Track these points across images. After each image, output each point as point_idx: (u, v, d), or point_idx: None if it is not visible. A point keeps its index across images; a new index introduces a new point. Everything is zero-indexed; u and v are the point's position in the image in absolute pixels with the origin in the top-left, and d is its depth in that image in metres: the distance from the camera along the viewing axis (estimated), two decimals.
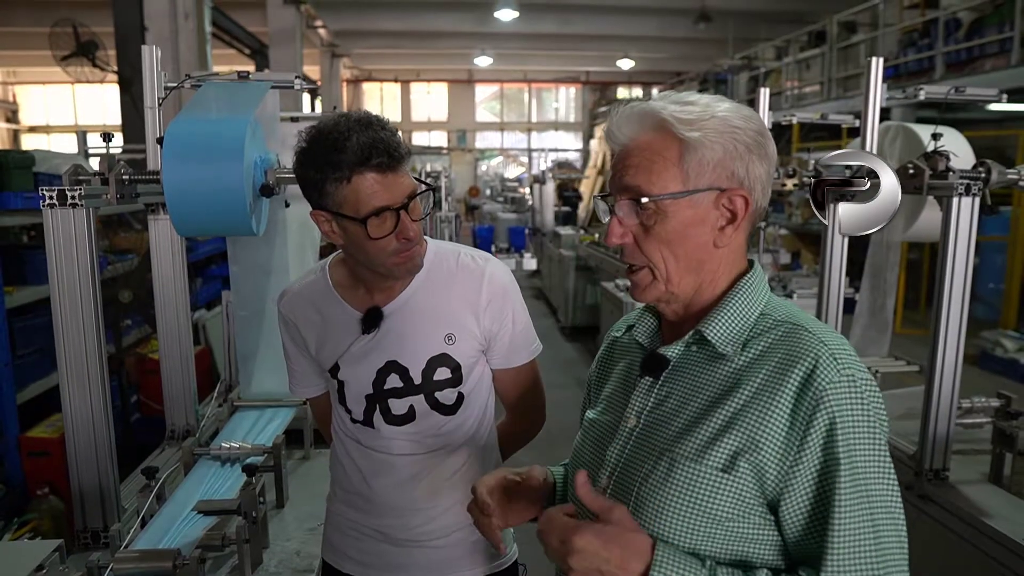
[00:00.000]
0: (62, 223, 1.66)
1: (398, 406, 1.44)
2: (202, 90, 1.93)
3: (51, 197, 1.64)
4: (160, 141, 1.78)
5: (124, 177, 1.78)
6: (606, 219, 1.02)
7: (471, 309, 1.43)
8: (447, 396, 1.45)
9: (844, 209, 2.30)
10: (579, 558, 0.87)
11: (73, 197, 1.65)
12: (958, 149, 2.45)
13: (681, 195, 0.96)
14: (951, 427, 2.17)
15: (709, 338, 0.98)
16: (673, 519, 0.93)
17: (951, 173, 2.12)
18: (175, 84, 2.02)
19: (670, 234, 0.97)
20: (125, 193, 1.79)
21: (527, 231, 9.92)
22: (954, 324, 2.13)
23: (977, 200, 2.09)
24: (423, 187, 1.35)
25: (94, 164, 3.76)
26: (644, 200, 0.96)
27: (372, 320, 1.42)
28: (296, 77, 2.10)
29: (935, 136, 2.22)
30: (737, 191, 0.97)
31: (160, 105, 2.02)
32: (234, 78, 2.00)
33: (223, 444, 1.97)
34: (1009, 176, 2.20)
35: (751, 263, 1.06)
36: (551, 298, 9.32)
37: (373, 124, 1.27)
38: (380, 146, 1.25)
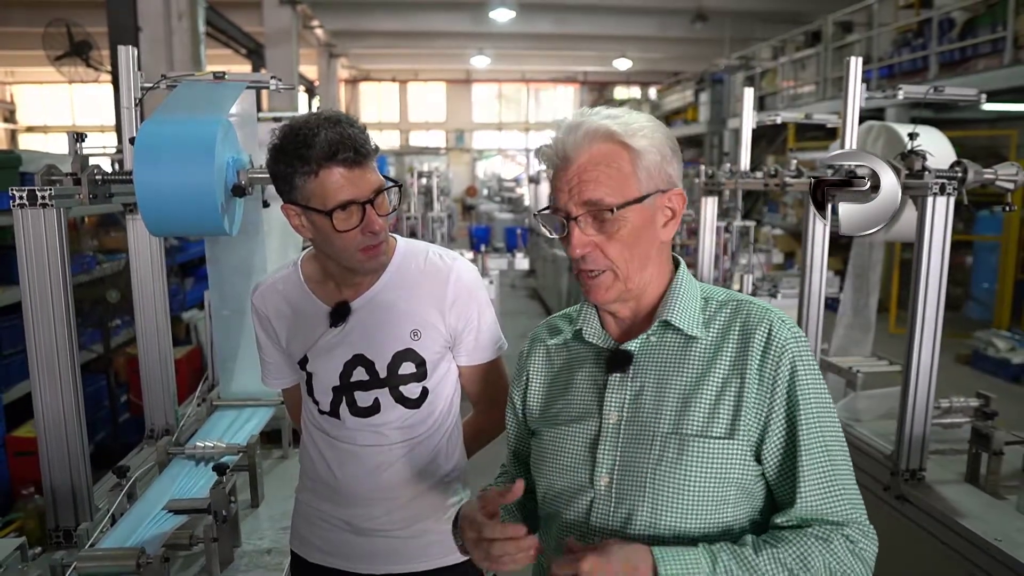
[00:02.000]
0: (32, 223, 1.66)
1: (364, 398, 1.47)
2: (177, 91, 1.93)
3: (21, 197, 1.64)
4: (133, 141, 1.78)
5: (97, 177, 1.78)
6: (555, 234, 1.09)
7: (437, 307, 1.47)
8: (412, 390, 1.48)
9: (844, 209, 2.30)
10: None
11: (43, 197, 1.65)
12: (938, 148, 2.46)
13: (639, 200, 1.04)
14: (927, 427, 2.17)
15: (676, 324, 1.08)
16: (695, 493, 1.03)
17: (927, 172, 2.12)
18: (152, 84, 2.03)
19: (629, 237, 1.05)
20: (99, 193, 1.80)
21: (519, 231, 9.93)
22: (930, 324, 2.13)
23: (952, 200, 2.09)
24: (389, 183, 1.38)
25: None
26: (609, 211, 1.03)
27: (340, 314, 1.45)
28: (272, 77, 2.10)
29: (912, 135, 2.22)
30: (675, 191, 1.09)
31: (138, 105, 2.02)
32: (210, 79, 2.00)
33: (198, 444, 1.97)
34: (985, 176, 2.20)
35: (675, 259, 1.17)
36: (545, 298, 9.33)
37: (342, 121, 1.32)
38: (347, 142, 1.29)
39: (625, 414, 1.08)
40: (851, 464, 1.07)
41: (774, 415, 1.04)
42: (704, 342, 1.08)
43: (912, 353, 2.14)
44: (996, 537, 1.85)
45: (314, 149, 1.28)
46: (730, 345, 1.07)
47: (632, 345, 1.10)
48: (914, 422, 2.16)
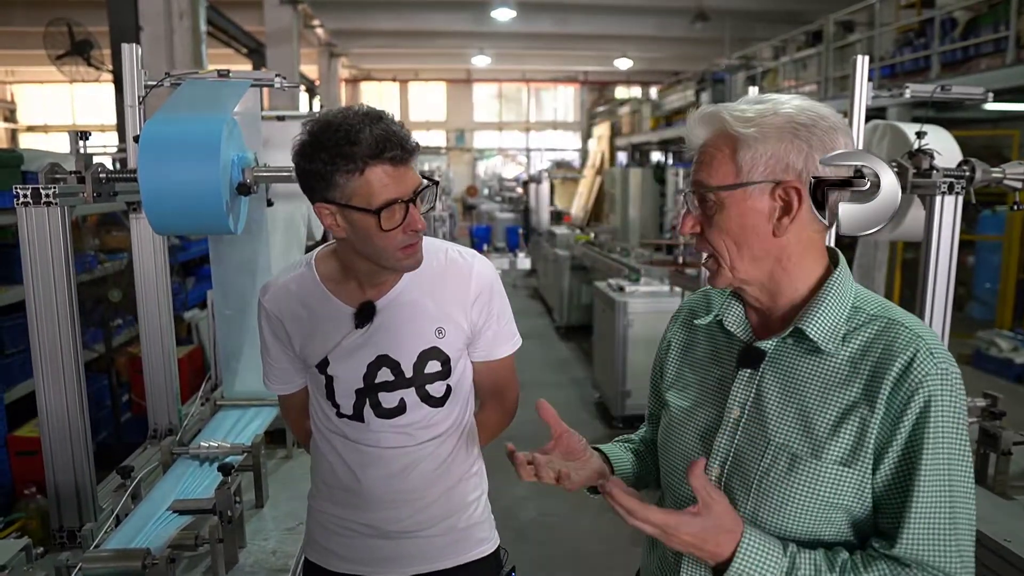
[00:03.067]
0: (36, 222, 1.65)
1: (389, 399, 1.45)
2: (181, 89, 1.92)
3: (25, 196, 1.63)
4: (137, 139, 1.77)
5: (101, 176, 1.77)
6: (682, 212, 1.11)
7: (460, 303, 1.47)
8: (437, 388, 1.47)
9: (844, 209, 2.29)
10: (679, 545, 0.98)
11: (47, 196, 1.64)
12: (944, 147, 2.44)
13: (734, 187, 1.03)
14: None
15: (809, 334, 1.03)
16: (797, 511, 1.01)
17: (935, 171, 2.11)
18: (155, 83, 2.01)
19: (728, 223, 1.04)
20: (102, 192, 1.79)
21: (520, 231, 9.93)
22: (938, 323, 2.13)
23: (960, 199, 2.08)
24: (428, 182, 1.36)
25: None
26: (704, 192, 1.05)
27: (366, 314, 1.43)
28: (277, 75, 2.09)
29: (919, 134, 2.21)
30: (792, 183, 1.02)
31: (141, 103, 2.01)
32: (214, 77, 1.99)
33: (202, 443, 1.96)
34: (993, 174, 2.19)
35: (836, 257, 1.12)
36: (546, 297, 9.32)
37: (384, 118, 1.30)
38: (393, 139, 1.27)
39: (747, 412, 1.08)
40: (973, 525, 0.99)
41: (891, 449, 0.98)
42: (835, 358, 1.02)
43: None
44: (1005, 538, 1.84)
45: (359, 146, 1.24)
46: (867, 367, 1.00)
47: (766, 344, 1.08)
48: None
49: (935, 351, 0.99)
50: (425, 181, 1.35)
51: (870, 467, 0.99)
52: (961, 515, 0.97)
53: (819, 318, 1.04)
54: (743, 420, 1.08)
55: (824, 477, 1.00)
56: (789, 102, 1.03)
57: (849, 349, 1.02)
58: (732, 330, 1.13)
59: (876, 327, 1.03)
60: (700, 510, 0.97)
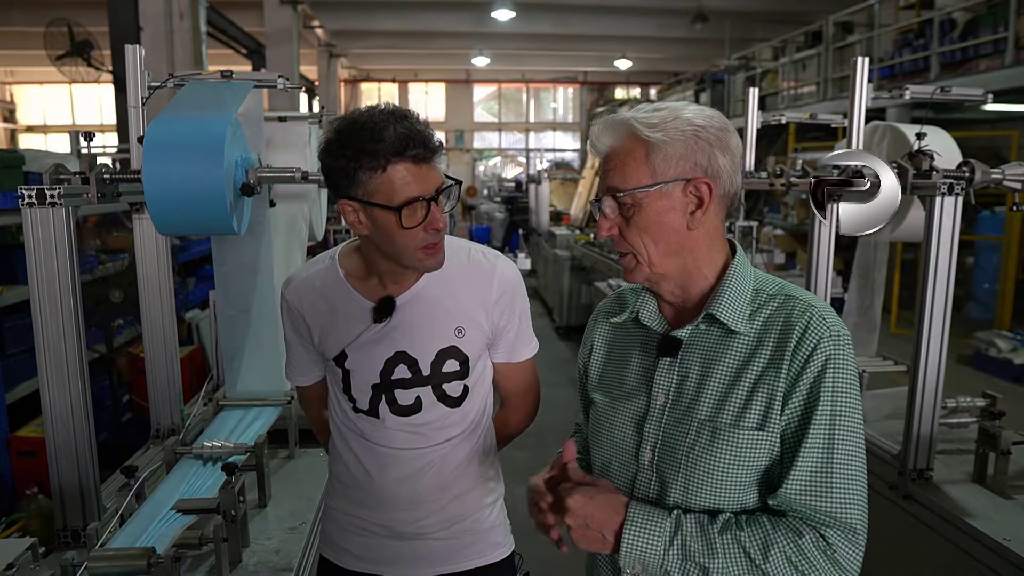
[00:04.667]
0: (41, 222, 1.66)
1: (405, 396, 1.46)
2: (184, 89, 1.92)
3: (30, 196, 1.64)
4: (141, 140, 1.78)
5: (105, 176, 1.77)
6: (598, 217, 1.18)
7: (482, 303, 1.47)
8: (454, 388, 1.48)
9: (844, 209, 2.30)
10: (570, 515, 1.06)
11: (52, 196, 1.65)
12: (944, 148, 2.45)
13: (650, 187, 1.10)
14: (935, 427, 2.17)
15: (719, 318, 1.12)
16: (723, 478, 1.08)
17: (935, 172, 2.12)
18: (159, 83, 2.02)
19: (646, 222, 1.12)
20: (107, 192, 1.79)
21: (520, 232, 9.93)
22: (938, 323, 2.13)
23: (960, 199, 2.09)
24: (450, 181, 1.37)
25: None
26: (620, 195, 1.12)
27: (385, 309, 1.43)
28: (280, 77, 2.09)
29: (919, 135, 2.22)
30: (701, 179, 1.11)
31: (144, 104, 2.02)
32: (217, 78, 1.99)
33: (205, 443, 1.97)
34: (993, 175, 2.20)
35: (732, 246, 1.20)
36: (546, 298, 9.32)
37: (408, 116, 1.31)
38: (417, 138, 1.28)
39: (671, 397, 1.15)
40: (860, 471, 1.07)
41: (791, 405, 1.07)
42: (746, 336, 1.12)
43: (920, 353, 2.14)
44: (1005, 537, 1.85)
45: (383, 144, 1.26)
46: (770, 339, 1.10)
47: (681, 333, 1.16)
48: (921, 422, 2.16)
49: (826, 316, 1.09)
50: (448, 180, 1.36)
51: (777, 427, 1.07)
52: (843, 465, 1.04)
53: (726, 302, 1.12)
54: (668, 405, 1.15)
55: (742, 443, 1.08)
56: (685, 108, 1.11)
57: (755, 325, 1.12)
58: (649, 324, 1.21)
59: (776, 303, 1.12)
60: (590, 483, 1.10)
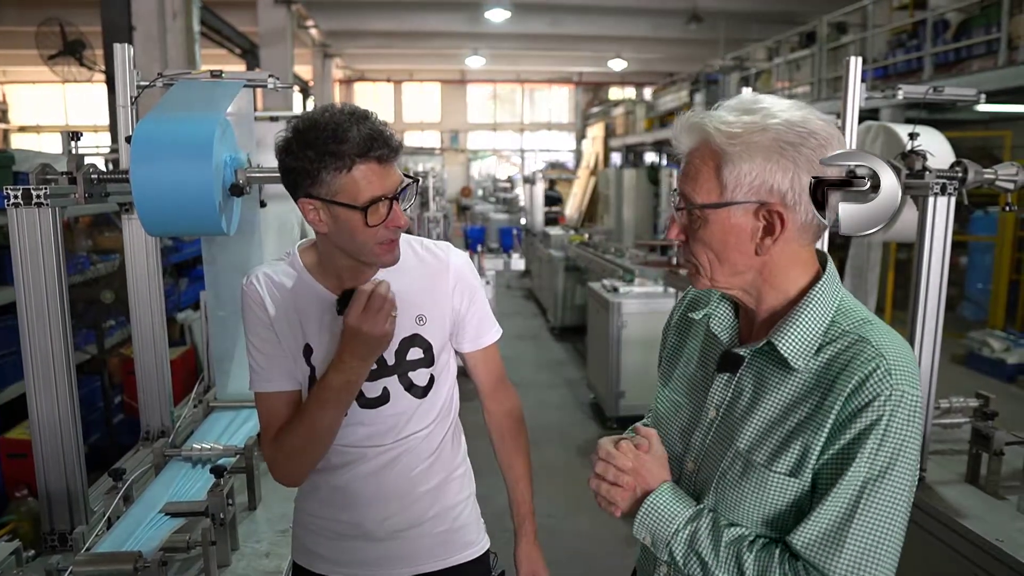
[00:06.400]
0: (27, 223, 1.64)
1: (372, 388, 1.45)
2: (173, 89, 1.91)
3: (16, 196, 1.62)
4: (129, 140, 1.76)
5: (93, 176, 1.76)
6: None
7: (440, 291, 1.50)
8: (420, 377, 1.48)
9: (844, 209, 2.30)
10: (623, 455, 1.09)
11: (39, 196, 1.63)
12: (937, 149, 2.45)
13: (717, 206, 1.01)
14: (928, 427, 2.17)
15: (781, 351, 1.03)
16: (747, 511, 1.04)
17: (927, 172, 2.12)
18: (147, 83, 2.00)
19: (710, 238, 1.03)
20: (94, 192, 1.77)
21: (515, 232, 9.93)
22: (930, 324, 2.13)
23: (953, 200, 2.09)
24: (409, 179, 1.39)
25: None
26: (685, 207, 1.05)
27: (348, 301, 1.41)
28: (270, 76, 2.08)
29: (912, 135, 2.22)
30: (775, 206, 1.00)
31: (133, 103, 2.00)
32: (207, 77, 1.98)
33: (195, 445, 1.95)
34: (986, 176, 2.20)
35: (824, 263, 1.09)
36: (541, 298, 9.32)
37: (370, 117, 1.33)
38: (380, 138, 1.30)
39: (720, 415, 1.10)
40: (883, 545, 0.96)
41: (827, 455, 0.98)
42: (804, 375, 1.02)
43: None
44: (997, 537, 1.85)
45: (348, 144, 1.27)
46: (827, 382, 1.00)
47: (743, 351, 1.09)
48: None
49: (893, 372, 0.96)
50: (407, 179, 1.38)
51: (812, 476, 1.00)
52: (864, 530, 0.95)
53: (793, 333, 1.02)
54: (716, 422, 1.11)
55: (771, 484, 1.02)
56: (779, 114, 0.99)
57: (817, 363, 1.01)
58: (717, 332, 1.14)
59: (845, 342, 1.01)
60: (647, 447, 1.10)
